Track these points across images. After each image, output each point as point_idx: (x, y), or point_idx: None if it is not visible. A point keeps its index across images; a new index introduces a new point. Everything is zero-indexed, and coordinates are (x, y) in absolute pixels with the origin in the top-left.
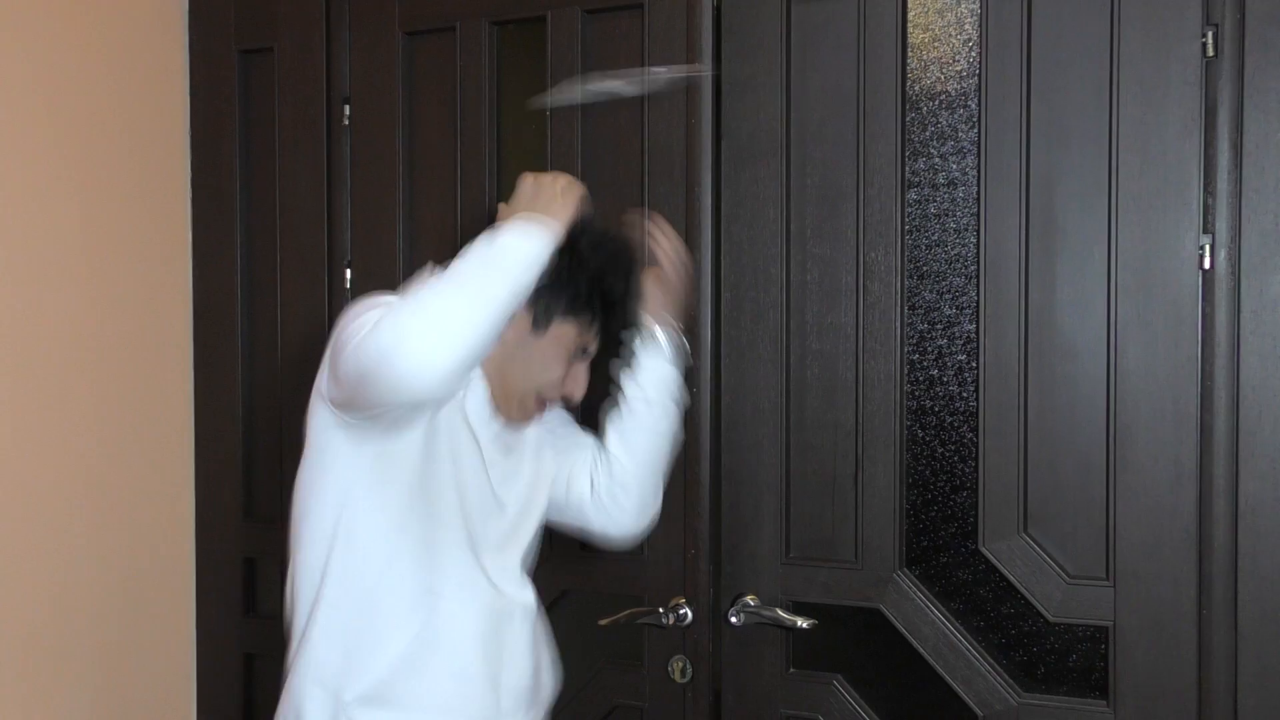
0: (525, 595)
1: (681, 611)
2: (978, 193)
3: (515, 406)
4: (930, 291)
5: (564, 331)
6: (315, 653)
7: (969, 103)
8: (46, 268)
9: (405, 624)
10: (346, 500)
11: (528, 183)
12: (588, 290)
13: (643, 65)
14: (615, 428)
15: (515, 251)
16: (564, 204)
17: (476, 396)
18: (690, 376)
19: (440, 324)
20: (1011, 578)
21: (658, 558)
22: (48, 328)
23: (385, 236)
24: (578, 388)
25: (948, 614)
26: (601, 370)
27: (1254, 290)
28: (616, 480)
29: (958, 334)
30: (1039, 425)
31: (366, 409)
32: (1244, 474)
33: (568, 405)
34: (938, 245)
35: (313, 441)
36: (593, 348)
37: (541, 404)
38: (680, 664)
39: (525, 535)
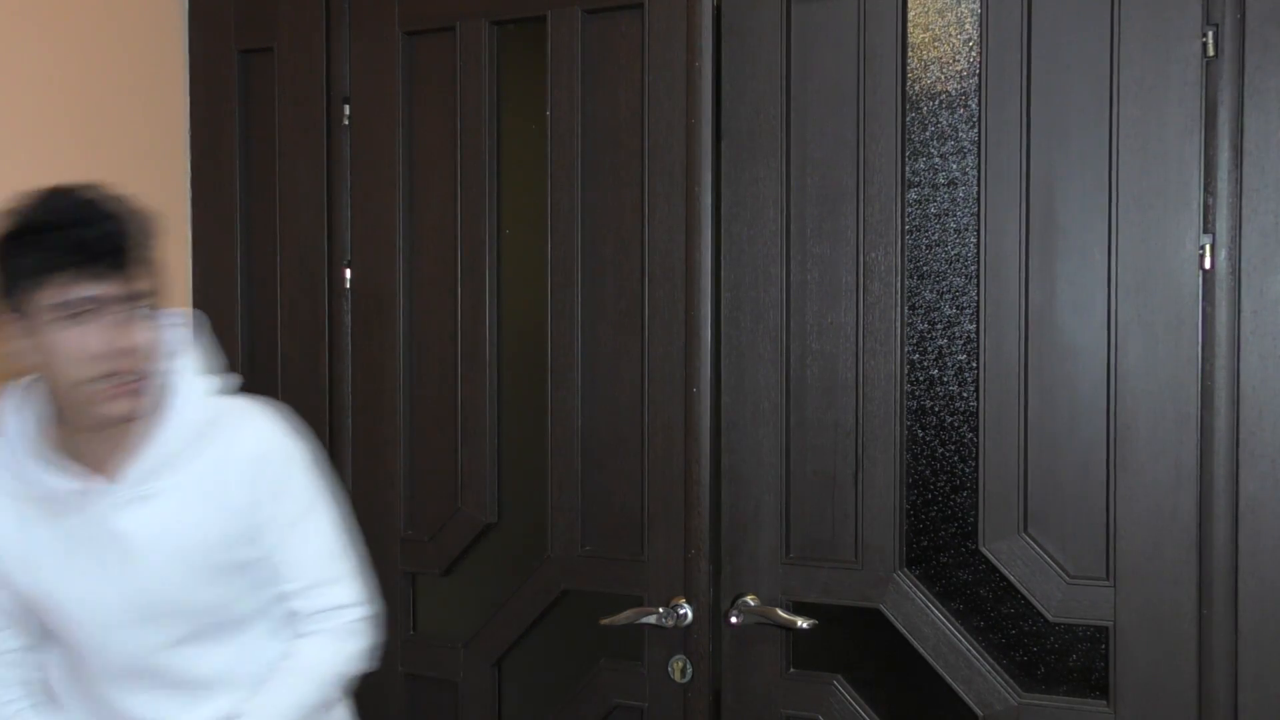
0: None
1: (681, 611)
2: (978, 193)
3: (93, 415)
4: (930, 291)
5: (45, 307)
6: None
7: (969, 103)
8: None
9: None
10: None
11: None
12: (24, 254)
13: (642, 65)
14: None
15: None
16: None
17: (43, 470)
18: (692, 375)
19: None
20: (1011, 578)
21: (658, 558)
22: None
23: (385, 236)
24: (117, 340)
25: (948, 614)
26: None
27: (1254, 290)
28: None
29: (958, 334)
30: (1039, 425)
31: None
32: (1244, 474)
33: (125, 358)
34: (938, 245)
35: None
36: (91, 290)
37: (113, 390)
38: (680, 664)
39: (192, 613)
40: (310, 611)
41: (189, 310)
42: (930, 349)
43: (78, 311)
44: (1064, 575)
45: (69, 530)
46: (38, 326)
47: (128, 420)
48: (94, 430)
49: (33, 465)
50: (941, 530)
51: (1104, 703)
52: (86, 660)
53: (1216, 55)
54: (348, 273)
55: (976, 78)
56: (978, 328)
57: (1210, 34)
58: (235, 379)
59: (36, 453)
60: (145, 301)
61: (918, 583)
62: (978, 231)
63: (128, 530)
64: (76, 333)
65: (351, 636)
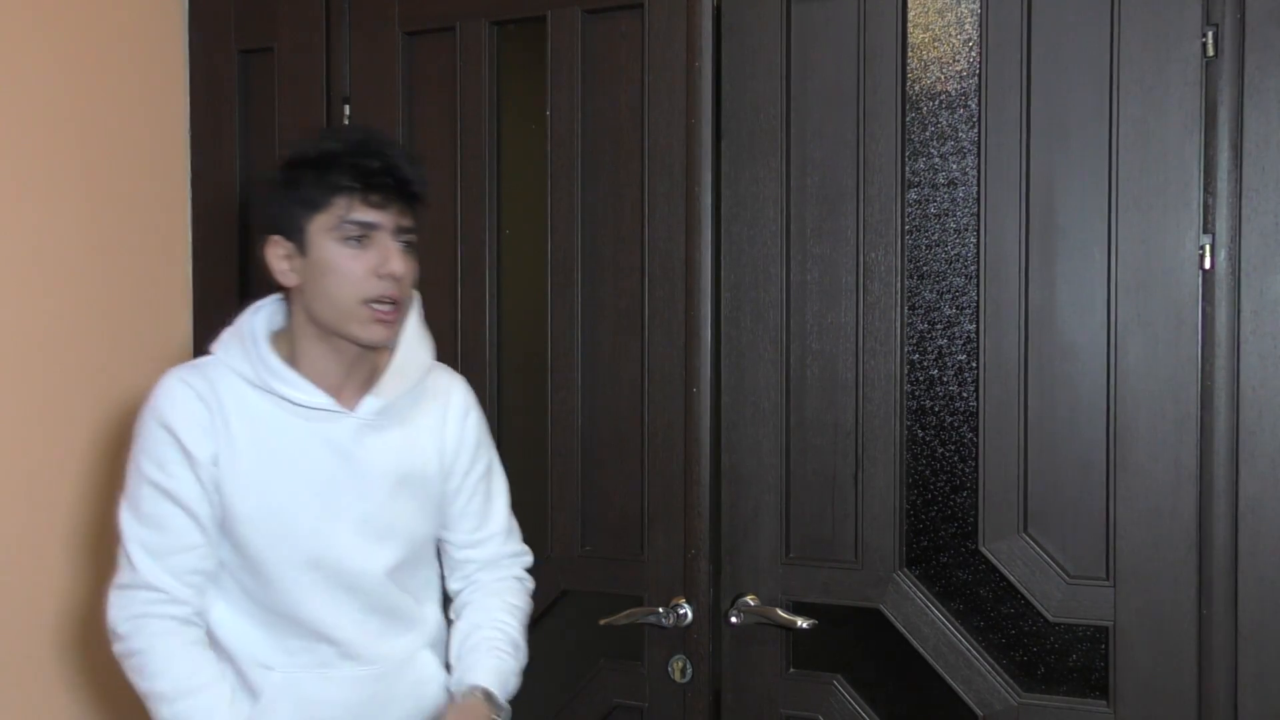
0: (390, 649)
1: (681, 611)
2: (978, 193)
3: (353, 334)
4: (930, 291)
5: (323, 229)
6: None
7: (969, 103)
8: (47, 268)
9: (244, 701)
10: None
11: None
12: (314, 178)
13: (642, 65)
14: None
15: None
16: None
17: (292, 387)
18: (692, 375)
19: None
20: (1011, 578)
21: (658, 558)
22: (48, 328)
23: None
24: (389, 263)
25: (948, 614)
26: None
27: (1254, 290)
28: (457, 611)
29: (958, 334)
30: (1039, 425)
31: None
32: (1244, 474)
33: (392, 284)
34: (938, 245)
35: None
36: (370, 216)
37: (376, 314)
38: (680, 664)
39: (403, 540)
40: (502, 556)
41: (189, 309)
42: (930, 349)
43: (358, 235)
44: (1064, 575)
45: (306, 448)
46: (315, 247)
47: (380, 345)
48: (344, 353)
49: (279, 380)
50: (941, 530)
51: (1104, 703)
52: (293, 579)
53: (1216, 55)
54: None
55: (976, 78)
56: (978, 328)
57: (1210, 34)
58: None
59: (280, 370)
60: (412, 236)
61: (918, 583)
62: (978, 231)
63: (363, 454)
64: (353, 254)
65: (529, 580)
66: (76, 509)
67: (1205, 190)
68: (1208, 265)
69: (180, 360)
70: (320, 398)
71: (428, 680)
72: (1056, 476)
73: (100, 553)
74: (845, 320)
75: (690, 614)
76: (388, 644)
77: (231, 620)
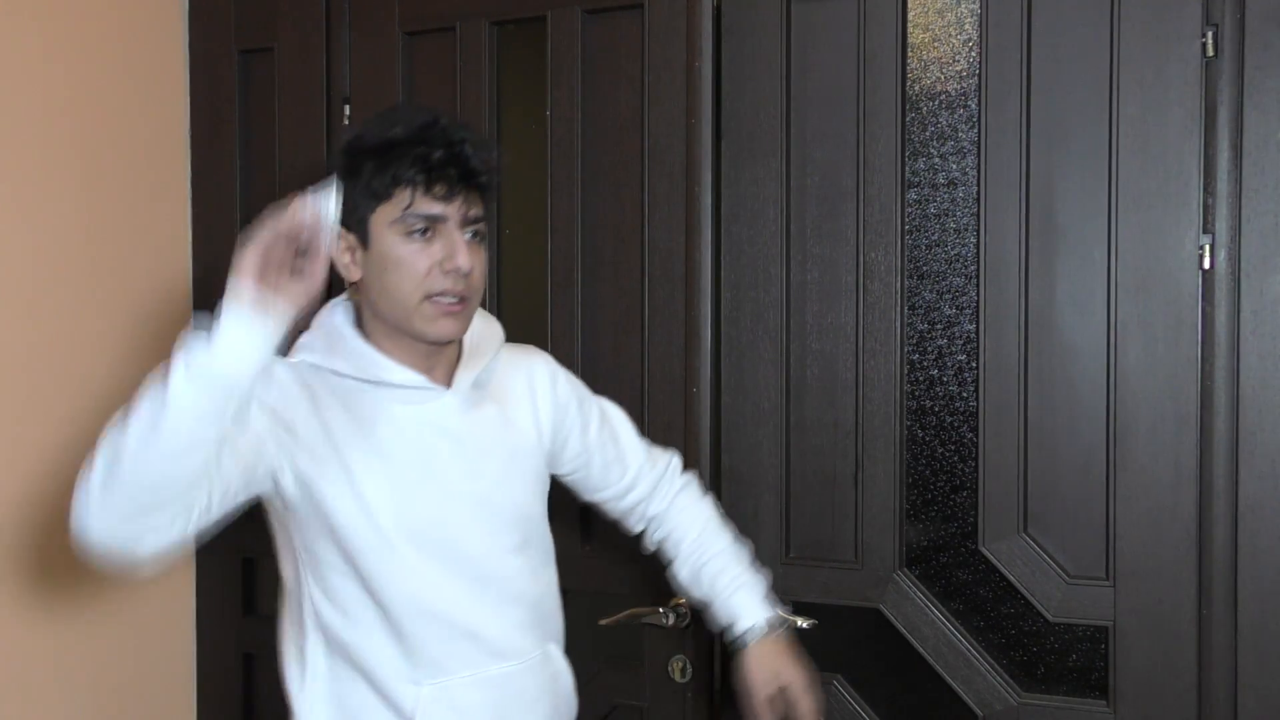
0: (530, 642)
1: (681, 611)
2: (978, 193)
3: (418, 330)
4: (930, 291)
5: (385, 221)
6: None
7: (969, 103)
8: (47, 267)
9: (392, 709)
10: (300, 573)
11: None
12: (375, 168)
13: (642, 65)
14: (686, 571)
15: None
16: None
17: (392, 373)
18: (692, 375)
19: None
20: (1011, 578)
21: (658, 557)
22: (47, 327)
23: None
24: (455, 257)
25: (948, 614)
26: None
27: (1254, 290)
28: (660, 546)
29: (958, 334)
30: (1039, 425)
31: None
32: (1244, 474)
33: (459, 279)
34: (938, 245)
35: None
36: (434, 208)
37: (442, 306)
38: (680, 664)
39: (512, 523)
40: (660, 478)
41: (189, 309)
42: (930, 349)
43: (420, 228)
44: (1064, 575)
45: (413, 435)
46: (377, 240)
47: (450, 340)
48: (415, 347)
49: (379, 367)
50: (941, 530)
51: (1104, 703)
52: (423, 574)
53: (1216, 55)
54: None
55: (976, 78)
56: (978, 328)
57: (1210, 34)
58: None
59: (379, 358)
60: (480, 225)
61: (918, 583)
62: (978, 231)
63: (467, 432)
64: (418, 247)
65: (693, 480)
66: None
67: (1205, 190)
68: (1208, 265)
69: None
70: (418, 378)
71: (560, 674)
72: (1056, 476)
73: None
74: (845, 320)
75: (690, 614)
76: (525, 636)
77: (367, 644)
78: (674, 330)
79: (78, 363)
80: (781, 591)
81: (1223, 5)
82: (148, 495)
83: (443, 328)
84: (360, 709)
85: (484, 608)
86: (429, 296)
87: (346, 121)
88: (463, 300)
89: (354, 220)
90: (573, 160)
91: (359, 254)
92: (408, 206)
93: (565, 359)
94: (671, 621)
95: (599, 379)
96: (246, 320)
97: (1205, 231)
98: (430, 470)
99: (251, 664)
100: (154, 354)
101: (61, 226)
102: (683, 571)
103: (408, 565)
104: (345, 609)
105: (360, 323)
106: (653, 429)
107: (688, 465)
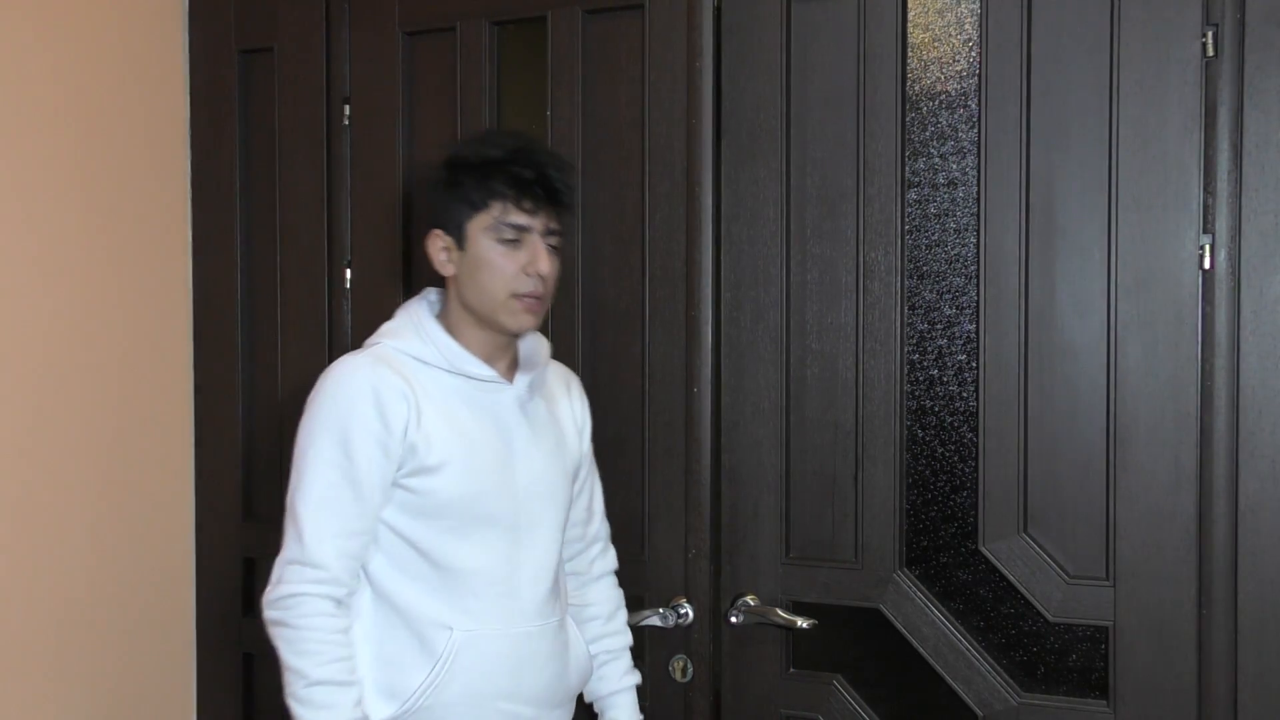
0: (550, 609)
1: (682, 611)
2: (978, 193)
3: (502, 322)
4: (930, 291)
5: (480, 228)
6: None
7: (969, 103)
8: (47, 267)
9: (422, 658)
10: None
11: None
12: (474, 182)
13: (643, 65)
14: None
15: None
16: None
17: (471, 364)
18: (692, 375)
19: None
20: (1011, 578)
21: (658, 558)
22: (47, 328)
23: (385, 237)
24: (537, 263)
25: (948, 614)
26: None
27: (1254, 290)
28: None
29: (958, 334)
30: (1039, 425)
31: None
32: (1244, 474)
33: (539, 282)
34: (938, 245)
35: None
36: (522, 220)
37: (524, 303)
38: (680, 664)
39: (557, 511)
40: (606, 544)
41: (189, 309)
42: (930, 349)
43: (512, 237)
44: (1064, 575)
45: (483, 418)
46: (473, 243)
47: (526, 331)
48: (495, 336)
49: (460, 359)
50: (941, 530)
51: (1104, 703)
52: (480, 537)
53: (1216, 55)
54: (348, 273)
55: (976, 78)
56: (978, 328)
57: (1210, 34)
58: None
59: (460, 350)
60: (558, 238)
61: (918, 583)
62: (978, 231)
63: (525, 423)
64: (506, 252)
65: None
66: (76, 509)
67: (1205, 190)
68: (1208, 265)
69: (180, 358)
70: (490, 371)
71: (573, 643)
72: (1056, 476)
73: (99, 552)
74: (845, 320)
75: (691, 614)
76: (549, 604)
77: (415, 596)
78: (674, 330)
79: (78, 362)
80: (782, 591)
81: (1223, 5)
82: None
83: (523, 320)
84: (399, 652)
85: (525, 575)
86: (514, 294)
87: (346, 122)
88: (539, 299)
89: (452, 225)
90: (573, 160)
91: (454, 254)
92: (501, 217)
93: (566, 358)
94: (672, 622)
95: (599, 379)
96: None
97: (1205, 231)
98: (499, 452)
99: (251, 664)
100: (154, 354)
101: (61, 226)
102: (594, 627)
103: (472, 535)
104: (403, 567)
105: (444, 313)
106: (653, 429)
107: (688, 465)
